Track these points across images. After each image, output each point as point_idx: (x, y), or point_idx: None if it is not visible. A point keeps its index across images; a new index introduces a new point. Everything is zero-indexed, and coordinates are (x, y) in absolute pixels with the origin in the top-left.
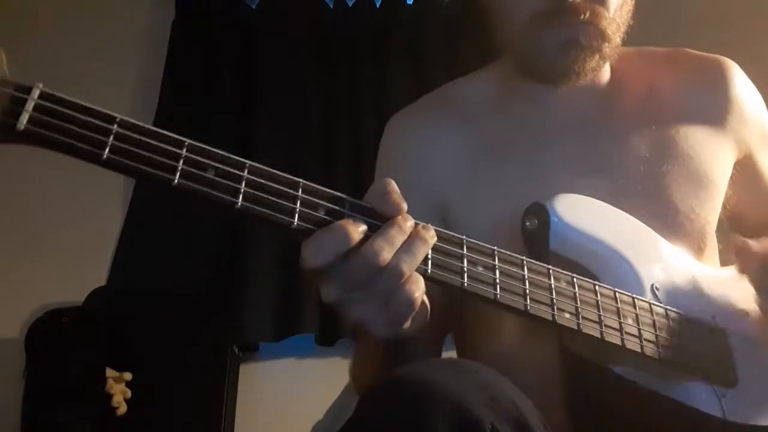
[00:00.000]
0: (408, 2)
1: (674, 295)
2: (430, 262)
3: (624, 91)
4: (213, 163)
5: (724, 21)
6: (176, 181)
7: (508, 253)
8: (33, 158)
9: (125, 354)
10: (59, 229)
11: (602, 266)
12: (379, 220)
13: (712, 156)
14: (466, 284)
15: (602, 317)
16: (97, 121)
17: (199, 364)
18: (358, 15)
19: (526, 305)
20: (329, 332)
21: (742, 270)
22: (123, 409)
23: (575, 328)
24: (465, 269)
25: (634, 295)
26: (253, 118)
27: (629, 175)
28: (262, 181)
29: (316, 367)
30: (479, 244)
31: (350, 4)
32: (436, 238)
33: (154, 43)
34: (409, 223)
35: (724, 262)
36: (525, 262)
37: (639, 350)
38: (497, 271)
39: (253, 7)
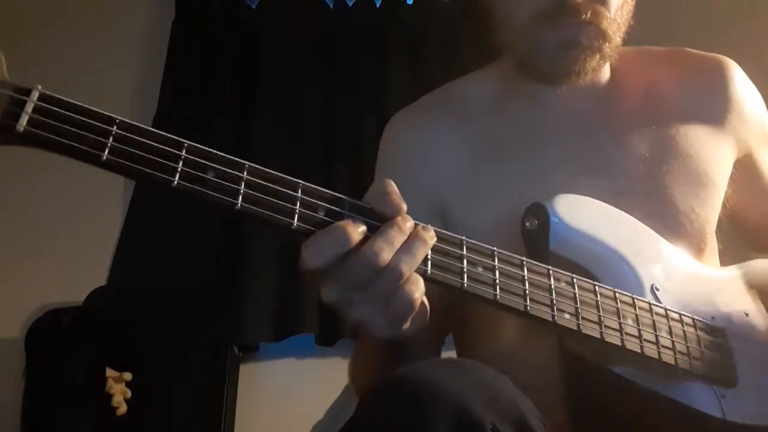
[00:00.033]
0: (408, 2)
1: (674, 295)
2: (429, 262)
3: (624, 90)
4: (212, 165)
5: (724, 21)
6: (176, 182)
7: (508, 253)
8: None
9: (125, 354)
10: (59, 229)
11: (602, 267)
12: (379, 221)
13: (712, 155)
14: (465, 285)
15: (602, 318)
16: (96, 123)
17: (199, 364)
18: (358, 15)
19: (526, 306)
20: (329, 332)
21: None
22: (123, 409)
23: (575, 328)
24: (465, 270)
25: (633, 296)
26: (253, 118)
27: (629, 174)
28: (262, 182)
29: (316, 367)
30: (479, 245)
31: (350, 4)
32: (435, 239)
33: (154, 43)
34: (409, 223)
35: (724, 262)
36: (525, 262)
37: (639, 351)
38: (497, 272)
39: (253, 7)
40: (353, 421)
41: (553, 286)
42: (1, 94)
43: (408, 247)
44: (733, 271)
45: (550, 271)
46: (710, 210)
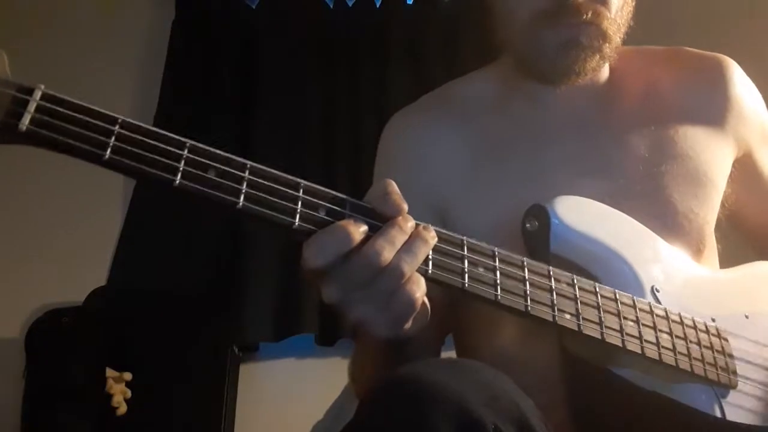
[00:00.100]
0: (408, 2)
1: (674, 296)
2: (430, 262)
3: (623, 90)
4: (214, 164)
5: (724, 21)
6: (177, 181)
7: (509, 254)
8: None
9: (125, 354)
10: (59, 229)
11: (602, 268)
12: (380, 221)
13: (711, 155)
14: (466, 285)
15: (603, 318)
16: (98, 122)
17: (199, 364)
18: (358, 15)
19: (526, 306)
20: (329, 332)
21: None
22: (123, 409)
23: (576, 329)
24: (466, 270)
25: (634, 297)
26: (253, 118)
27: (628, 175)
28: (263, 181)
29: (316, 367)
30: (480, 245)
31: (350, 4)
32: (436, 239)
33: (154, 43)
34: (410, 223)
35: (723, 263)
36: (525, 263)
37: (639, 351)
38: (498, 272)
39: (253, 7)
40: (354, 422)
41: (553, 287)
42: (4, 94)
43: (409, 246)
44: (733, 273)
45: (551, 272)
46: (709, 210)
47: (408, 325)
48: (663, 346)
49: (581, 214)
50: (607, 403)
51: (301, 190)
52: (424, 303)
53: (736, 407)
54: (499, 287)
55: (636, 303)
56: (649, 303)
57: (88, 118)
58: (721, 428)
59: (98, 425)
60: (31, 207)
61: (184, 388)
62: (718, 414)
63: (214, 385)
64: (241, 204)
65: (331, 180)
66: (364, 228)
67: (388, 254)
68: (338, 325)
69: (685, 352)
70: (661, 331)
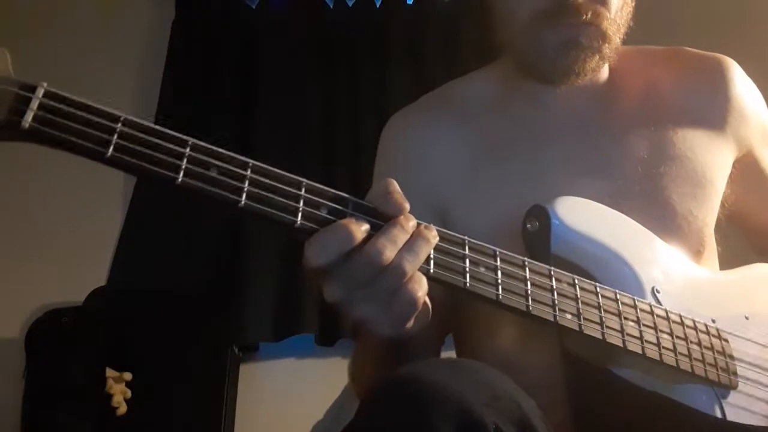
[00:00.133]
0: (408, 2)
1: (675, 297)
2: (432, 261)
3: (623, 90)
4: (216, 162)
5: (724, 21)
6: (180, 179)
7: (510, 254)
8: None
9: (125, 354)
10: (59, 229)
11: (603, 269)
12: (382, 220)
13: (711, 156)
14: (468, 284)
15: (603, 318)
16: (101, 120)
17: (199, 364)
18: (358, 15)
19: (528, 306)
20: (329, 332)
21: None
22: (123, 409)
23: (577, 329)
24: (467, 269)
25: (635, 298)
26: (253, 118)
27: (628, 175)
28: (266, 180)
29: (316, 367)
30: (481, 245)
31: (350, 4)
32: (438, 238)
33: (154, 43)
34: (412, 222)
35: (723, 264)
36: (526, 263)
37: (640, 352)
38: (499, 272)
39: (253, 7)
40: (354, 422)
41: (554, 287)
42: (6, 91)
43: (411, 245)
44: (733, 274)
45: (552, 272)
46: (708, 212)
47: (410, 324)
48: (664, 347)
49: (582, 215)
50: (608, 404)
51: (303, 189)
52: (425, 302)
53: (737, 408)
54: (500, 287)
55: (637, 303)
56: (650, 303)
57: (90, 116)
58: (721, 429)
59: (98, 425)
60: (31, 207)
61: (184, 388)
62: (719, 414)
63: (214, 385)
64: (243, 202)
65: (331, 180)
66: (366, 227)
67: (390, 253)
68: (338, 325)
69: (686, 352)
70: (661, 331)
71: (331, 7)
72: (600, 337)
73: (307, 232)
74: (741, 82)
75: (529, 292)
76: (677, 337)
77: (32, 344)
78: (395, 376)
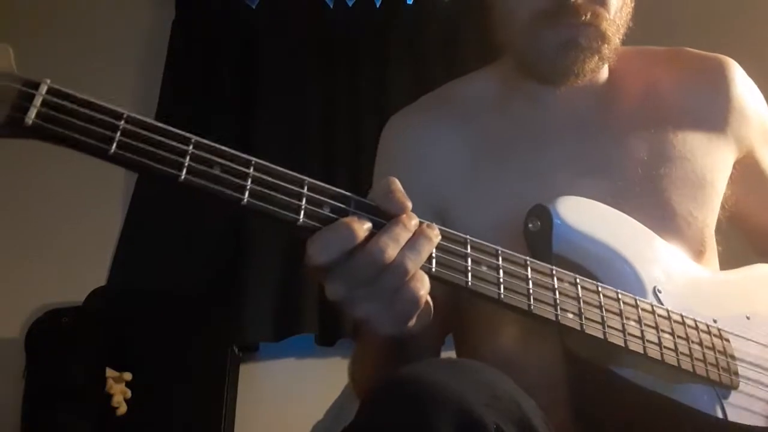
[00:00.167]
0: (408, 2)
1: (676, 297)
2: (434, 260)
3: (623, 90)
4: (219, 160)
5: (724, 21)
6: (183, 177)
7: (512, 253)
8: (33, 158)
9: (125, 354)
10: (59, 228)
11: (604, 268)
12: (384, 218)
13: (712, 157)
14: (470, 283)
15: (605, 318)
16: (104, 117)
17: (199, 364)
18: (358, 15)
19: (529, 305)
20: (329, 332)
21: None
22: (123, 409)
23: (578, 328)
24: (469, 268)
25: (636, 297)
26: (253, 118)
27: (628, 176)
28: (268, 178)
29: (316, 367)
30: (483, 244)
31: (350, 4)
32: (440, 237)
33: (154, 43)
34: (414, 221)
35: (724, 265)
36: (528, 262)
37: (642, 351)
38: (501, 271)
39: (253, 7)
40: (355, 422)
41: (556, 286)
42: (10, 88)
43: (413, 244)
44: (734, 275)
45: (554, 271)
46: (708, 213)
47: (411, 322)
48: (665, 347)
49: (583, 215)
50: (609, 403)
51: (306, 187)
52: (427, 301)
53: (738, 408)
54: (502, 286)
55: (638, 303)
56: (651, 303)
57: (93, 113)
58: (722, 429)
59: (98, 425)
60: (31, 207)
61: (184, 388)
62: (720, 415)
63: (214, 385)
64: (245, 200)
65: (331, 180)
66: (368, 225)
67: (392, 251)
68: (338, 325)
69: (687, 352)
70: (663, 331)
71: (331, 7)
72: (601, 336)
73: (309, 230)
74: (742, 83)
75: (531, 291)
76: (678, 336)
77: (32, 344)
78: (395, 376)
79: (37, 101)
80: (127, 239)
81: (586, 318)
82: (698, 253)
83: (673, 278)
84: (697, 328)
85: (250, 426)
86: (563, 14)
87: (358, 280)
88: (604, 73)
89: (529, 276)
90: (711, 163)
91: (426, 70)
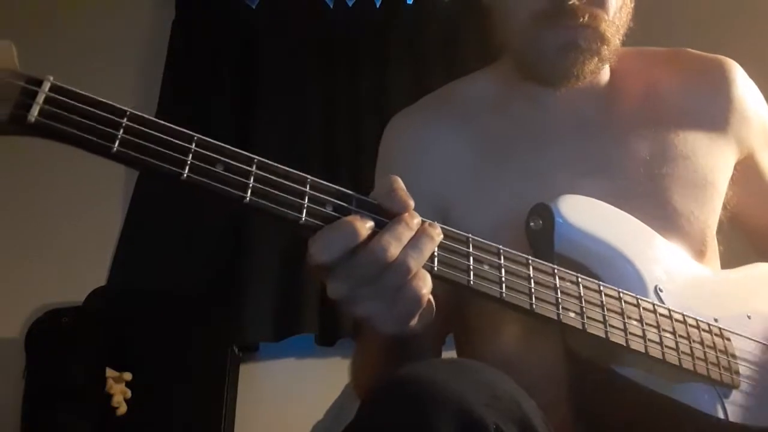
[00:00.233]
0: (408, 2)
1: (677, 296)
2: (436, 259)
3: (624, 91)
4: (222, 158)
5: (724, 21)
6: (185, 175)
7: (514, 252)
8: (33, 158)
9: (125, 354)
10: (59, 228)
11: (606, 267)
12: (386, 217)
13: (713, 158)
14: (472, 282)
15: (607, 317)
16: (107, 114)
17: (199, 364)
18: (358, 15)
19: (531, 304)
20: (329, 332)
21: None
22: (123, 409)
23: (580, 327)
24: (471, 267)
25: (638, 296)
26: (253, 118)
27: (629, 176)
28: (271, 176)
29: (316, 367)
30: (485, 243)
31: (350, 4)
32: (442, 236)
33: (154, 43)
34: (416, 219)
35: (725, 264)
36: (530, 261)
37: (643, 351)
38: (503, 270)
39: (253, 7)
40: (355, 422)
41: (558, 285)
42: (13, 85)
43: (415, 242)
44: (735, 274)
45: (555, 270)
46: (710, 213)
47: (413, 321)
48: (666, 346)
49: (585, 214)
50: (610, 403)
51: (308, 186)
52: (429, 300)
53: (739, 407)
54: (504, 284)
55: (640, 302)
56: (653, 302)
57: (96, 110)
58: (723, 428)
59: (98, 425)
60: (31, 207)
61: (184, 388)
62: (721, 414)
63: (214, 385)
64: (248, 199)
65: (331, 180)
66: (370, 224)
67: (394, 250)
68: (338, 325)
69: (688, 351)
70: (664, 330)
71: (331, 7)
72: (603, 335)
73: (311, 229)
74: (743, 84)
75: (533, 290)
76: (680, 335)
77: (32, 344)
78: (396, 376)
79: (40, 98)
80: (127, 239)
81: (587, 317)
82: (699, 253)
83: (674, 277)
84: (698, 327)
85: (250, 426)
86: (561, 16)
87: (360, 278)
88: (605, 74)
89: (531, 275)
90: (712, 164)
91: (426, 70)
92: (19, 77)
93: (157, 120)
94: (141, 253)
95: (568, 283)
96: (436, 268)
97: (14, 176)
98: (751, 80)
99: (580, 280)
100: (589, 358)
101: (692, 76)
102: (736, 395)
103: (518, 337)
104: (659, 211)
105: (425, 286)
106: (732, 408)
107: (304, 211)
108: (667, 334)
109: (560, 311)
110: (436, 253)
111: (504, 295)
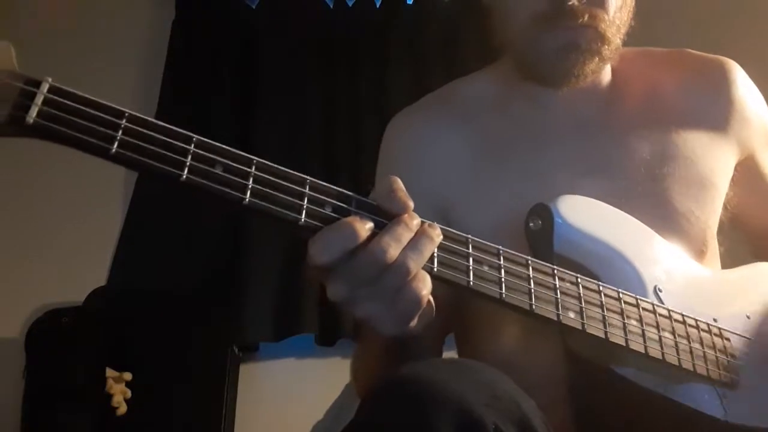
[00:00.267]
0: (408, 2)
1: (677, 296)
2: (436, 260)
3: (625, 92)
4: (221, 159)
5: (724, 21)
6: (184, 176)
7: (513, 252)
8: (33, 158)
9: (125, 354)
10: (59, 229)
11: (605, 267)
12: (386, 218)
13: (713, 158)
14: (471, 283)
15: (606, 317)
16: (105, 116)
17: (199, 364)
18: (358, 15)
19: (531, 305)
20: (329, 332)
21: None
22: (123, 409)
23: (580, 327)
24: (471, 268)
25: (637, 297)
26: (253, 118)
27: (630, 176)
28: (270, 177)
29: (316, 367)
30: (485, 243)
31: (350, 4)
32: (442, 237)
33: (154, 43)
34: (416, 221)
35: (725, 265)
36: (530, 261)
37: (643, 351)
38: (503, 271)
39: (253, 7)
40: (355, 421)
41: (557, 286)
42: (11, 86)
43: (415, 244)
44: (735, 273)
45: (555, 271)
46: (711, 213)
47: (413, 322)
48: (666, 346)
49: (584, 214)
50: (610, 403)
51: (308, 187)
52: (429, 301)
53: (738, 407)
54: (504, 285)
55: (639, 302)
56: (652, 303)
57: (95, 111)
58: (722, 428)
59: (98, 425)
60: (31, 207)
61: (184, 388)
62: (720, 414)
63: (214, 385)
64: (247, 200)
65: (330, 180)
66: (370, 225)
67: (394, 251)
68: (338, 325)
69: (688, 351)
70: (664, 330)
71: (331, 7)
72: (603, 336)
73: (311, 230)
74: (743, 85)
75: (533, 290)
76: (679, 335)
77: (32, 344)
78: (396, 375)
79: (39, 99)
80: (127, 239)
81: (587, 317)
82: (699, 253)
83: (673, 277)
84: (697, 327)
85: (250, 426)
86: (561, 17)
87: (359, 280)
88: (607, 75)
89: (531, 275)
90: (713, 164)
91: (426, 70)
92: (18, 78)
93: (156, 121)
94: (141, 253)
95: (568, 284)
96: (435, 269)
97: (14, 176)
98: (751, 81)
99: (579, 280)
100: (589, 358)
101: (693, 77)
102: (735, 395)
103: (518, 337)
104: (660, 211)
105: (425, 287)
106: (731, 408)
107: (304, 212)
108: (667, 334)
109: (560, 312)
110: (435, 254)
111: (504, 295)
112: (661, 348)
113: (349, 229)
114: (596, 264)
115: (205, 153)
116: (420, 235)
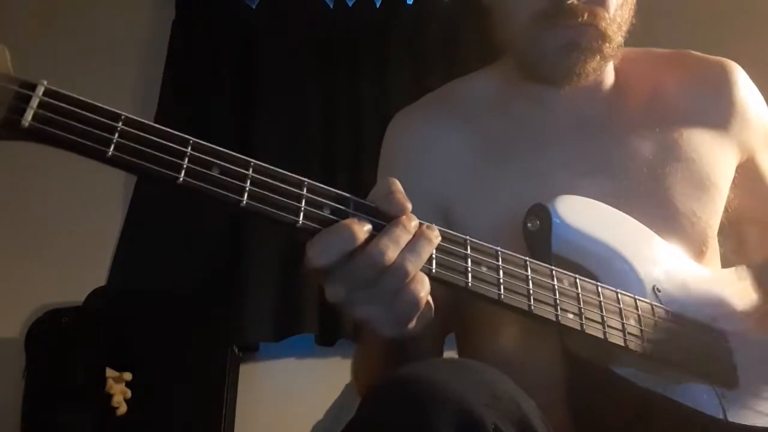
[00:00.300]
0: (408, 2)
1: (675, 296)
2: (434, 261)
3: (627, 92)
4: (218, 162)
5: (724, 21)
6: (181, 179)
7: (512, 253)
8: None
9: (125, 354)
10: (59, 229)
11: (604, 268)
12: (384, 220)
13: (715, 159)
14: (470, 284)
15: (605, 318)
16: (101, 119)
17: (199, 364)
18: (358, 15)
19: (529, 305)
20: (329, 332)
21: None
22: (123, 409)
23: (578, 328)
24: (469, 269)
25: (635, 297)
26: (253, 118)
27: (631, 176)
28: (267, 179)
29: (316, 367)
30: (483, 245)
31: (350, 4)
32: (440, 238)
33: (154, 43)
34: (414, 222)
35: (725, 265)
36: (528, 262)
37: (641, 351)
38: (501, 272)
39: (253, 7)
40: (354, 421)
41: (556, 286)
42: (6, 89)
43: (413, 245)
44: (734, 273)
45: (553, 271)
46: (712, 214)
47: (412, 324)
48: (664, 346)
49: (582, 214)
50: (609, 403)
51: (305, 189)
52: (428, 302)
53: (738, 407)
54: (502, 286)
55: (637, 302)
56: (651, 303)
57: (90, 114)
58: (722, 428)
59: (98, 425)
60: (31, 207)
61: (184, 388)
62: (720, 414)
63: (214, 385)
64: (244, 202)
65: (331, 180)
66: (368, 227)
67: (392, 253)
68: (338, 325)
69: (686, 351)
70: (662, 330)
71: (331, 7)
72: (601, 336)
73: (309, 232)
74: (744, 87)
75: (531, 291)
76: (677, 336)
77: (32, 344)
78: (396, 375)
79: (34, 103)
80: (127, 239)
81: (586, 318)
82: (699, 253)
83: (672, 277)
84: (696, 327)
85: (250, 426)
86: (561, 16)
87: (358, 282)
88: (609, 76)
89: (529, 276)
90: (714, 165)
91: (426, 70)
92: (13, 81)
93: (153, 124)
94: (141, 254)
95: (566, 284)
96: (434, 271)
97: (14, 177)
98: (752, 83)
99: (578, 280)
100: (588, 358)
101: (694, 78)
102: (735, 395)
103: (517, 337)
104: (661, 211)
105: (423, 288)
106: (731, 408)
107: (301, 214)
108: (665, 334)
109: (558, 312)
110: (434, 256)
111: (502, 296)
112: (660, 348)
113: (347, 232)
114: (594, 264)
115: (202, 155)
116: (418, 236)
